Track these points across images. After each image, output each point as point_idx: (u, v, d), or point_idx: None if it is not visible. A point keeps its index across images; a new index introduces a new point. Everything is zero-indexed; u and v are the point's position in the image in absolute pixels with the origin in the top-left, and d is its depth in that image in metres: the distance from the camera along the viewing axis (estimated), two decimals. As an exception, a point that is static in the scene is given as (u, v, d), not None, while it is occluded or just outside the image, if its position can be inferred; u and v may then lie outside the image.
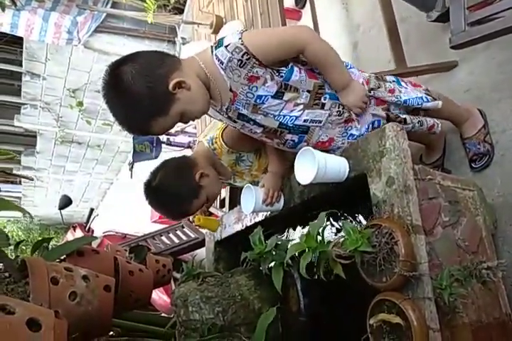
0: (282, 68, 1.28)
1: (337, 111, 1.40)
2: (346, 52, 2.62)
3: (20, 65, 5.95)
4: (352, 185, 1.29)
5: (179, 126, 4.22)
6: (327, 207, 1.26)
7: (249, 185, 1.56)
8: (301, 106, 1.36)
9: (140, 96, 1.20)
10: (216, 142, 1.68)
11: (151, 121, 1.25)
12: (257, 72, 1.25)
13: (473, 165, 1.70)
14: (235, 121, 1.41)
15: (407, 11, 2.16)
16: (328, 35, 2.65)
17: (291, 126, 1.39)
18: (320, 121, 1.40)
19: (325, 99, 1.38)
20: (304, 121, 1.39)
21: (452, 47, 1.21)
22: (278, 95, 1.32)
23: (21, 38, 5.33)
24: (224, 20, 2.22)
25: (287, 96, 1.32)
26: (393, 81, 1.51)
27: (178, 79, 1.23)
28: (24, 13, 4.71)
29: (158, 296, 3.06)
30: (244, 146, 1.68)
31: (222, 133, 1.67)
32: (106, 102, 1.25)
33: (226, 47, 1.22)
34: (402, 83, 1.53)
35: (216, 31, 2.40)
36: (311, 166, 1.22)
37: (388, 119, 1.43)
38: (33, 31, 4.87)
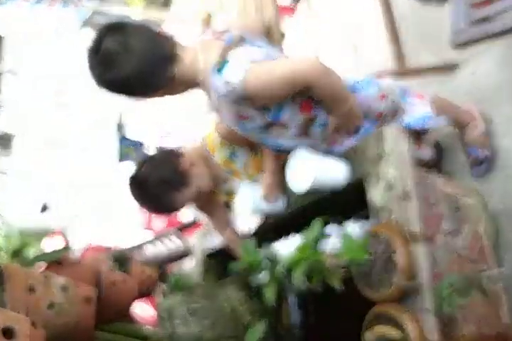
0: (274, 107, 1.26)
1: (323, 137, 1.40)
2: (344, 52, 2.61)
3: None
4: (350, 190, 1.27)
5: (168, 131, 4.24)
6: (324, 213, 1.23)
7: (246, 183, 1.51)
8: (288, 137, 1.36)
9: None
10: (208, 137, 1.63)
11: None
12: (247, 112, 1.24)
13: (473, 170, 1.68)
14: None
15: (407, 10, 2.15)
16: (326, 34, 2.63)
17: (272, 145, 1.41)
18: (303, 146, 1.41)
19: (314, 129, 1.36)
20: (287, 145, 1.39)
21: (453, 47, 1.19)
22: (264, 131, 1.31)
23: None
24: (213, 15, 2.21)
25: (274, 130, 1.32)
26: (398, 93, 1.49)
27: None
28: (8, 7, 4.67)
29: (144, 308, 3.00)
30: (238, 139, 1.60)
31: (215, 127, 1.62)
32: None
33: (225, 83, 1.17)
34: (406, 97, 1.50)
35: (206, 27, 2.38)
36: (307, 173, 1.20)
37: None
38: (17, 26, 4.84)
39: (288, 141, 1.37)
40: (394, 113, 1.45)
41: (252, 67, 1.18)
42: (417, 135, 1.53)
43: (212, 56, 1.21)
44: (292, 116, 1.29)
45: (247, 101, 1.20)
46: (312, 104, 1.31)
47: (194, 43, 1.31)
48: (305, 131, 1.35)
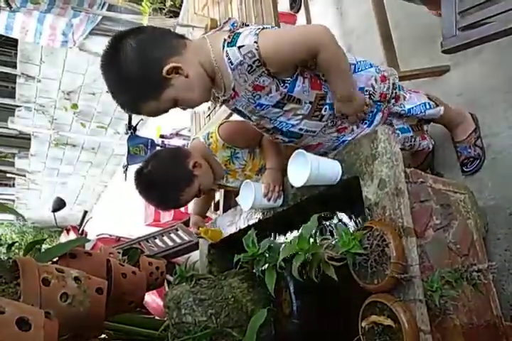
0: (288, 78, 1.26)
1: (331, 122, 1.41)
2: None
3: (15, 67, 5.95)
4: (345, 188, 1.29)
5: (174, 129, 4.24)
6: (321, 209, 1.27)
7: (249, 180, 1.56)
8: (300, 117, 1.37)
9: (132, 77, 1.18)
10: (212, 137, 1.67)
11: (141, 102, 1.23)
12: (263, 81, 1.23)
13: (464, 168, 1.71)
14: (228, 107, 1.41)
15: (400, 15, 2.18)
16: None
17: (285, 131, 1.41)
18: (314, 131, 1.43)
19: (325, 111, 1.37)
20: (300, 129, 1.41)
21: (444, 52, 1.22)
22: (279, 105, 1.31)
23: (16, 40, 5.33)
24: (218, 23, 2.23)
25: (288, 106, 1.33)
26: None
27: (175, 64, 1.19)
28: (19, 15, 4.71)
29: (152, 299, 3.04)
30: (239, 142, 1.67)
31: (218, 128, 1.66)
32: (102, 73, 1.22)
33: (239, 48, 1.17)
34: (404, 90, 1.53)
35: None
36: (304, 169, 1.23)
37: None
38: (28, 33, 4.87)
39: (300, 122, 1.38)
40: (396, 97, 1.47)
41: (264, 31, 1.20)
42: (420, 125, 1.56)
43: (221, 38, 1.22)
44: (305, 91, 1.30)
45: (262, 67, 1.20)
46: (321, 81, 1.33)
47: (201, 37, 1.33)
48: (316, 110, 1.36)
